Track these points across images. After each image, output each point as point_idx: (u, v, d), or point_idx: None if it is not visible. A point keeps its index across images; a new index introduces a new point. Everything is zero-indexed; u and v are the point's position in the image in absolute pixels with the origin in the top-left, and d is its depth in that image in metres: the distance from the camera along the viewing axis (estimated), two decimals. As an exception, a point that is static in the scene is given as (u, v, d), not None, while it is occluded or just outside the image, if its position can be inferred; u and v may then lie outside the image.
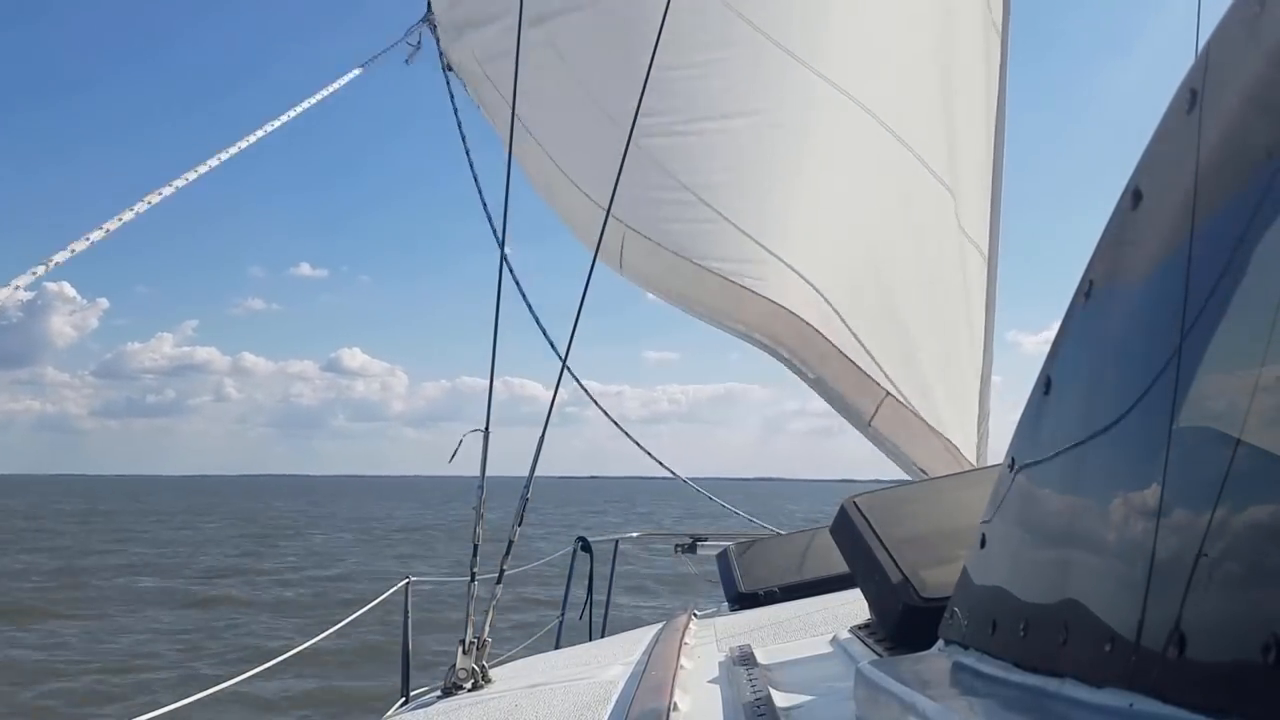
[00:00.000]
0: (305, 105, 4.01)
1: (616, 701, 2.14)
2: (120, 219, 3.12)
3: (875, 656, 2.01)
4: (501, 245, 3.74)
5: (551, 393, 3.54)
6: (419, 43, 5.31)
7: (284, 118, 3.86)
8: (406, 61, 5.26)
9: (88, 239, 3.00)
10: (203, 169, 3.36)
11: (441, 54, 5.43)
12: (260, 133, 3.70)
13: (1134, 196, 0.99)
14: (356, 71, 4.52)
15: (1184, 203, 0.87)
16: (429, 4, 5.37)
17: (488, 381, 3.40)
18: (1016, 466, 1.21)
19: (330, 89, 4.25)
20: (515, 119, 3.84)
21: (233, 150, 3.56)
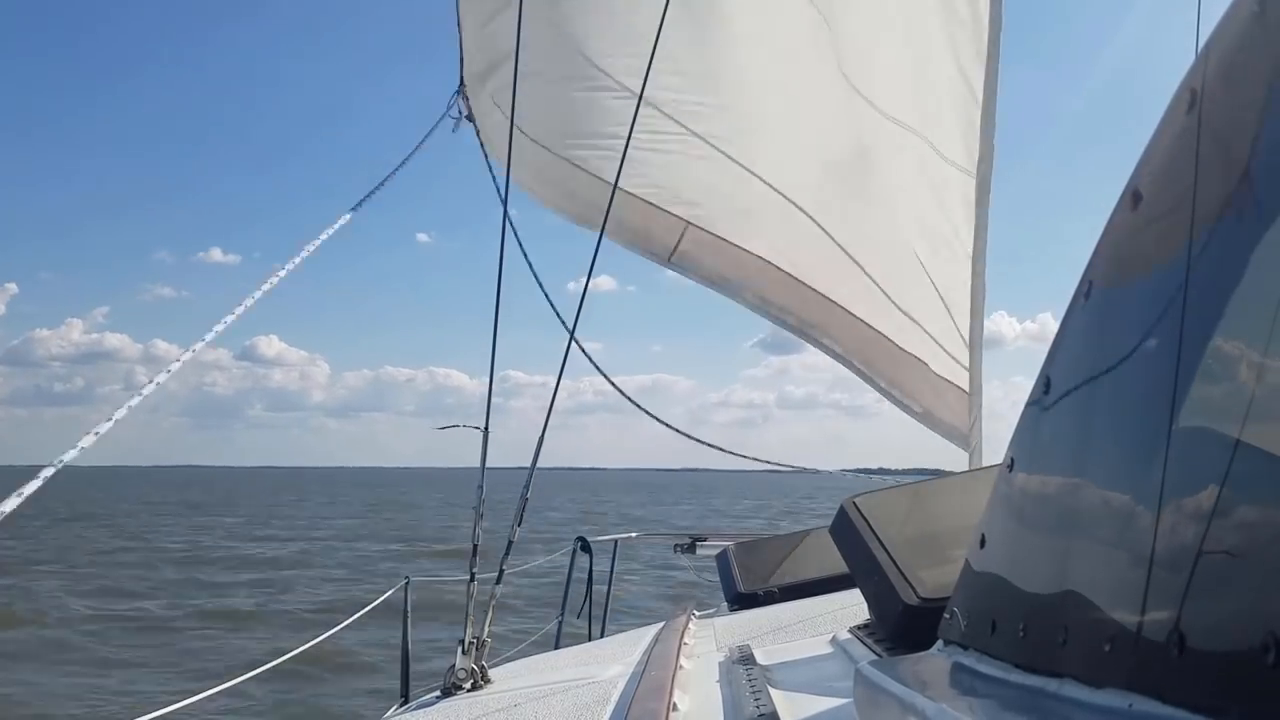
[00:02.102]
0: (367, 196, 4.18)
1: (616, 702, 2.14)
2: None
3: (875, 657, 2.01)
4: (502, 245, 3.74)
5: (552, 393, 3.54)
6: (461, 113, 5.34)
7: (338, 221, 4.00)
8: (454, 130, 5.29)
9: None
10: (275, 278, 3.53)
11: (469, 106, 5.41)
12: (324, 236, 3.83)
13: (1134, 196, 0.99)
14: (408, 154, 4.77)
15: (1184, 203, 0.87)
16: (461, 76, 5.37)
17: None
18: (1016, 466, 1.21)
19: (385, 180, 4.40)
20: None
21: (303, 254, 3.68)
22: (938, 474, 4.24)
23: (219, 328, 3.37)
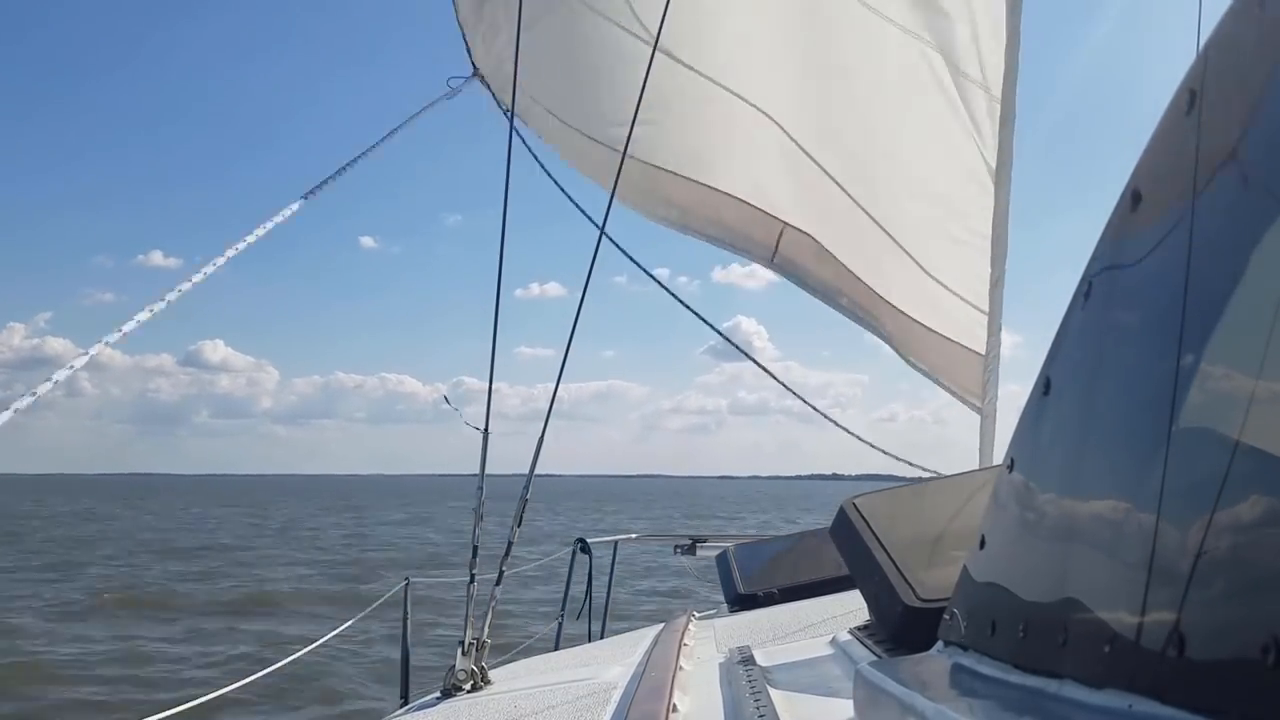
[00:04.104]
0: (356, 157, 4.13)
1: (616, 703, 2.13)
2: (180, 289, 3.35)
3: (874, 658, 2.01)
4: (502, 244, 3.73)
5: (552, 388, 3.53)
6: (459, 89, 5.16)
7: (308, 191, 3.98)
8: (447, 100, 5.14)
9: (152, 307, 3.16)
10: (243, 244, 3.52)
11: (498, 100, 5.17)
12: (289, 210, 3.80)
13: (1134, 197, 0.99)
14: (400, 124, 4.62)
15: (1184, 203, 0.87)
16: (473, 62, 5.20)
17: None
18: (1015, 467, 1.21)
19: (376, 145, 4.36)
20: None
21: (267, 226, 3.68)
22: (891, 480, 4.24)
23: (143, 315, 3.33)
